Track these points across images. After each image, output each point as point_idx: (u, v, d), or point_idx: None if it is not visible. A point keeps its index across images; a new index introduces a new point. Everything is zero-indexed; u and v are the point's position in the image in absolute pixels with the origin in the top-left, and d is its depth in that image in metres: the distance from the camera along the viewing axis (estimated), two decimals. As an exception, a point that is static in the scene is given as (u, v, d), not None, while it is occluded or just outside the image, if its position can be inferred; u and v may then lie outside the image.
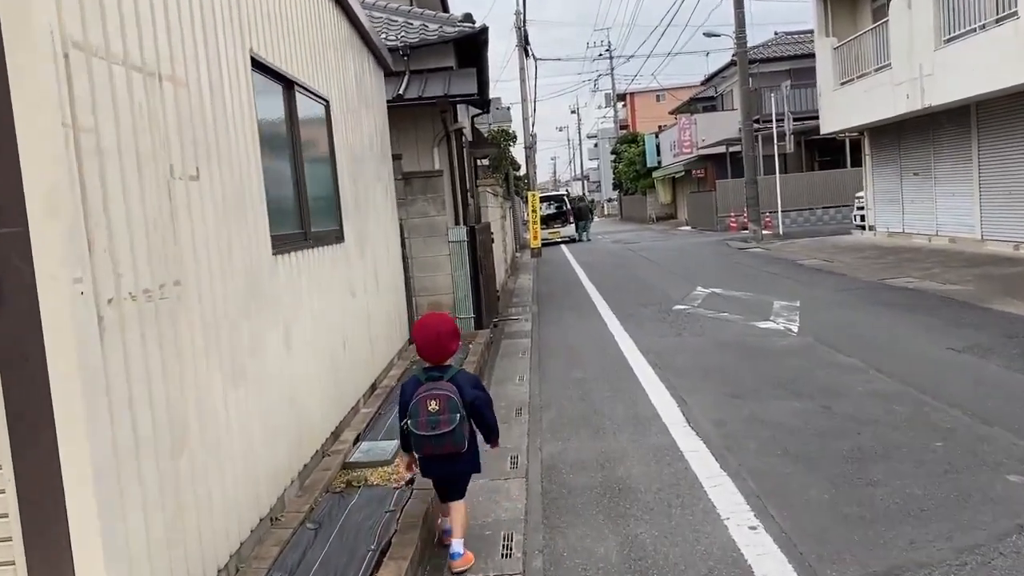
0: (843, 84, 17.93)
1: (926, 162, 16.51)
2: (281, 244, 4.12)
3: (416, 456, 3.51)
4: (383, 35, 11.27)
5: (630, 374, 6.88)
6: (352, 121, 6.32)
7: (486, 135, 23.49)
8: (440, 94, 10.03)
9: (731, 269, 15.36)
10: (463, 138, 12.28)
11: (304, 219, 4.66)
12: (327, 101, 5.48)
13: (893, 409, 5.21)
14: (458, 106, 12.60)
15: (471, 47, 11.64)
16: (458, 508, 3.48)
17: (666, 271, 15.82)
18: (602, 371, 7.13)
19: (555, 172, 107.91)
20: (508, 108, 48.42)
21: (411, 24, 11.75)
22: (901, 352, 6.90)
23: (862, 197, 20.19)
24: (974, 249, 14.38)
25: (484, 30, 11.12)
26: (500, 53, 67.12)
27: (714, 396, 5.92)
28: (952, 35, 13.11)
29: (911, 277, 11.74)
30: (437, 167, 10.20)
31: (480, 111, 16.99)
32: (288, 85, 4.62)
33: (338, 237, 5.44)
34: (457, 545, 3.40)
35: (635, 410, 5.73)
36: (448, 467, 3.44)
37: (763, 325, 8.74)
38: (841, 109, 18.09)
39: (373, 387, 6.29)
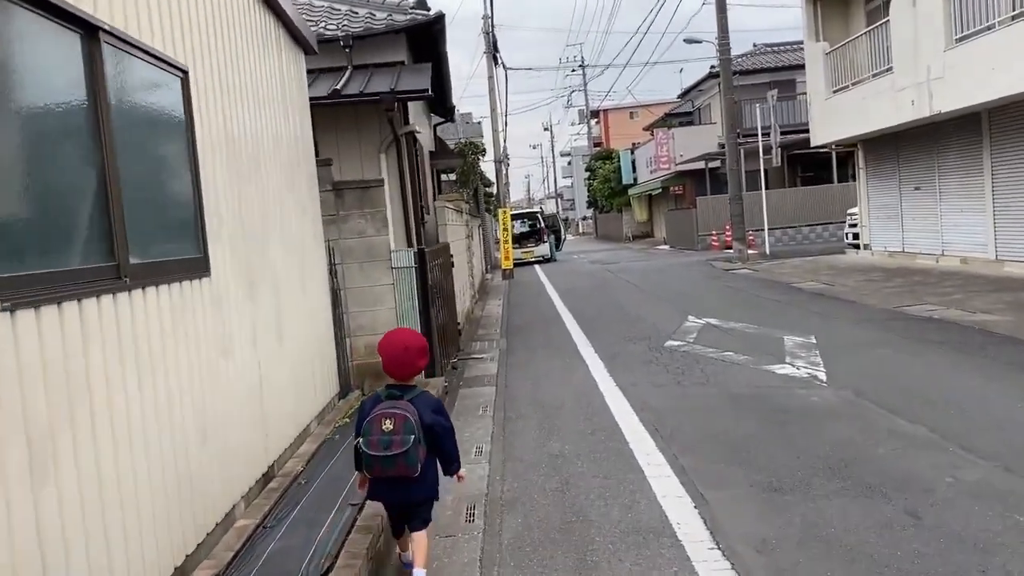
0: (836, 92, 16.58)
1: (929, 175, 15.15)
2: (36, 288, 2.35)
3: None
4: (322, 24, 9.60)
5: (624, 448, 5.16)
6: (239, 107, 4.58)
7: (453, 147, 21.83)
8: (385, 90, 8.34)
9: (721, 294, 13.78)
10: (417, 145, 10.57)
11: (114, 243, 2.90)
12: (185, 71, 3.73)
13: (1017, 521, 3.55)
14: (417, 112, 10.96)
15: (426, 38, 10.00)
16: (419, 539, 3.21)
17: (650, 296, 14.19)
18: (587, 441, 5.40)
19: (529, 190, 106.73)
20: (479, 122, 46.79)
21: (356, 13, 10.09)
22: (978, 415, 5.26)
23: (855, 214, 18.83)
24: (990, 271, 12.95)
25: (439, 18, 9.49)
26: (466, 69, 65.95)
27: (744, 490, 4.22)
28: (965, 33, 11.73)
29: (931, 304, 10.23)
30: (382, 176, 8.49)
31: (443, 119, 15.40)
32: (89, 31, 2.88)
33: (198, 269, 3.68)
34: (419, 574, 3.12)
35: (636, 515, 4.01)
36: (401, 492, 3.16)
37: (780, 370, 7.08)
38: (834, 119, 16.71)
39: (267, 477, 4.50)
